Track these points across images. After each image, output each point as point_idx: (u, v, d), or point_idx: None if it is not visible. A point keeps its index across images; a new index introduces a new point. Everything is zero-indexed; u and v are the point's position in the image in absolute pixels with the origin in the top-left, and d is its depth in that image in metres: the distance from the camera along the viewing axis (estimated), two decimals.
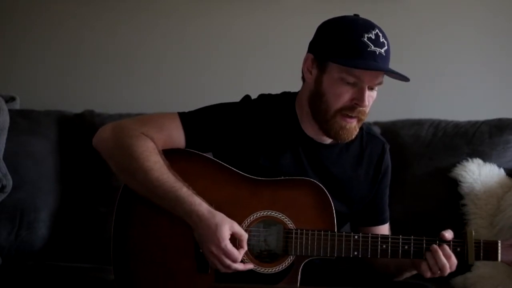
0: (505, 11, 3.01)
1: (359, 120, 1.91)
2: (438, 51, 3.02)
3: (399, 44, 2.88)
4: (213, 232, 1.81)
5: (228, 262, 1.82)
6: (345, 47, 1.85)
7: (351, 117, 1.89)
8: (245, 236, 1.85)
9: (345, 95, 1.87)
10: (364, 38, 1.84)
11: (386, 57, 1.87)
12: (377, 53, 1.84)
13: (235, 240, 1.84)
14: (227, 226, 1.82)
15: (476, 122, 2.78)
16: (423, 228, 2.51)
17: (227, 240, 1.81)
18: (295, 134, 1.98)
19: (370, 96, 1.89)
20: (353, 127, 1.91)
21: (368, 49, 1.84)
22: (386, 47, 1.87)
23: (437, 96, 3.02)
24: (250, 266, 1.87)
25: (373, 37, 1.85)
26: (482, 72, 3.02)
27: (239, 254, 1.83)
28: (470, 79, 3.02)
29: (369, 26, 1.87)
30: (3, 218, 2.64)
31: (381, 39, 1.86)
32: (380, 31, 1.87)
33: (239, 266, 1.84)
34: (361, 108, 1.88)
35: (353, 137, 1.93)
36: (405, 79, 1.86)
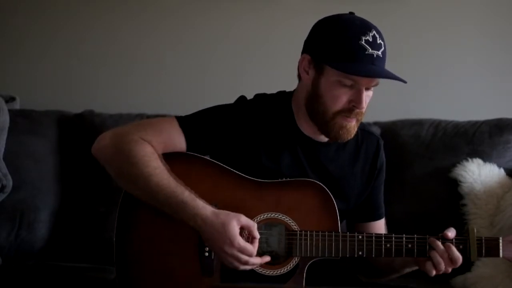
0: (505, 11, 3.01)
1: (357, 120, 1.91)
2: (438, 51, 3.03)
3: (399, 44, 2.91)
4: (222, 233, 1.79)
5: (245, 257, 1.81)
6: (343, 51, 1.83)
7: (350, 117, 1.89)
8: (253, 225, 1.83)
9: (343, 97, 1.86)
10: (362, 41, 1.82)
11: (383, 58, 1.86)
12: (375, 55, 1.83)
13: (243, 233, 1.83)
14: (234, 222, 1.81)
15: (476, 122, 2.78)
16: (423, 228, 2.50)
17: (238, 237, 1.80)
18: (292, 133, 1.98)
19: (367, 96, 1.88)
20: (352, 126, 1.90)
21: (366, 52, 1.82)
22: (383, 48, 1.85)
23: (437, 96, 3.03)
24: (267, 258, 1.86)
25: (371, 40, 1.83)
26: (482, 72, 3.02)
27: (253, 247, 1.82)
28: (470, 79, 3.03)
29: (366, 27, 1.85)
30: (3, 218, 2.64)
31: (378, 41, 1.85)
32: (377, 32, 1.85)
33: (256, 261, 1.83)
34: (358, 110, 1.88)
35: (352, 136, 1.93)
36: (402, 81, 1.84)
